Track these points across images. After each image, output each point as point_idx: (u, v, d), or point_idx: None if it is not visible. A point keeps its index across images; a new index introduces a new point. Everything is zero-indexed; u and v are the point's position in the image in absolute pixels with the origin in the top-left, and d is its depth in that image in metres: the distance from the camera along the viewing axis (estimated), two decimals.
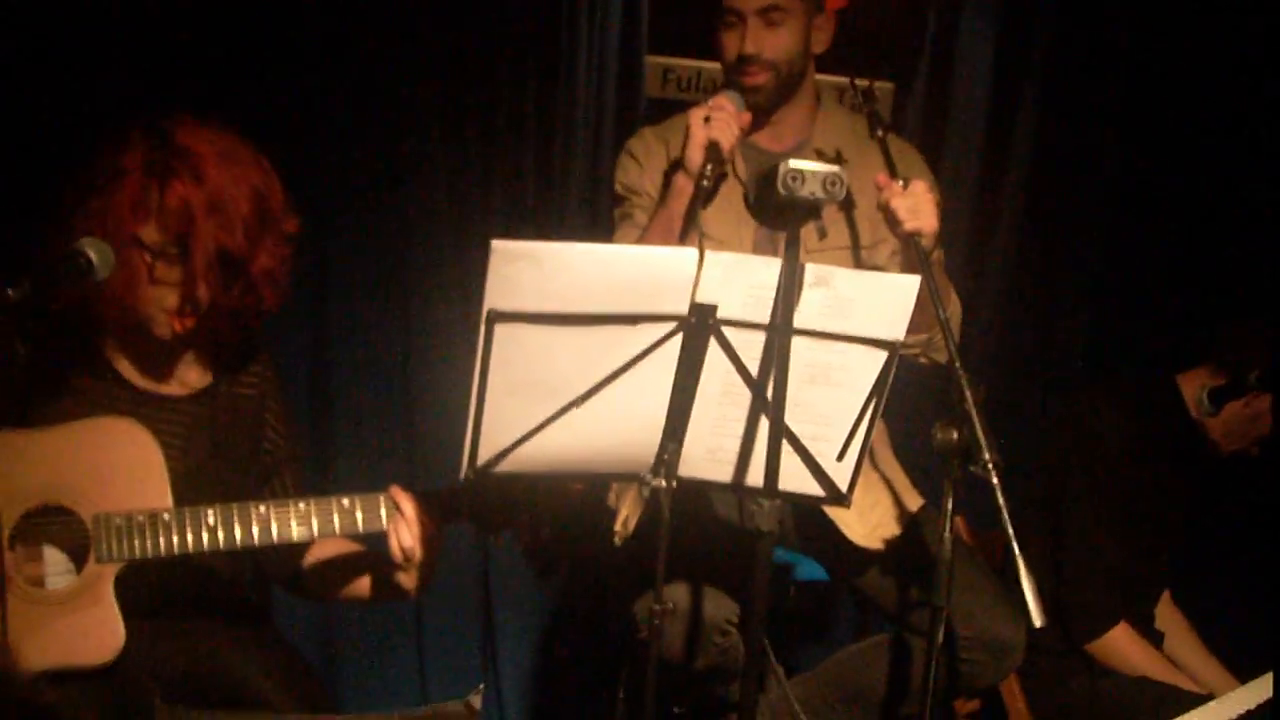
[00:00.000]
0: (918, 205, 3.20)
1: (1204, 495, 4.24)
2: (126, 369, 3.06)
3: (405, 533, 2.98)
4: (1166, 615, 4.23)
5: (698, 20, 4.89)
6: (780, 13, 3.50)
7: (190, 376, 3.12)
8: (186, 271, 2.87)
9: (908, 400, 3.34)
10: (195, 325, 2.95)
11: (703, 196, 3.28)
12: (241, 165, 2.93)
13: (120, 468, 2.92)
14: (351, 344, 4.85)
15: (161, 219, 2.85)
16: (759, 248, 3.53)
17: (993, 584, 3.54)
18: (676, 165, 3.41)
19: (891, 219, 3.22)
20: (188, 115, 2.96)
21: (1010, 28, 5.10)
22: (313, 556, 3.25)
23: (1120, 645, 3.90)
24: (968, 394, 2.92)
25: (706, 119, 3.33)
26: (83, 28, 4.38)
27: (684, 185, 3.36)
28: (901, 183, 3.24)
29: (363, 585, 3.23)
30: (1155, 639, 4.08)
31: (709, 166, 3.24)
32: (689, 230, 3.37)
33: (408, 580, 3.05)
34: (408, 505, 2.99)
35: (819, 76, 3.66)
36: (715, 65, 4.84)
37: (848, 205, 3.56)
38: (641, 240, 3.46)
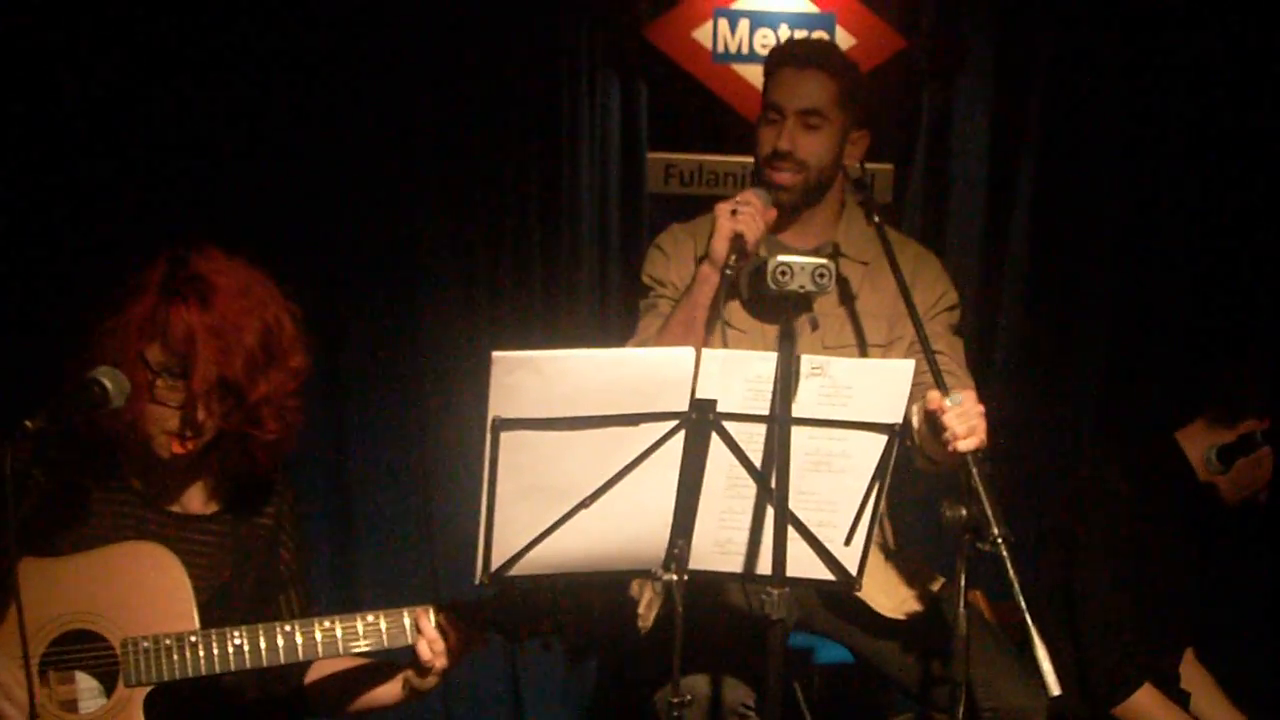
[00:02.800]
0: (973, 422, 3.08)
1: (1219, 550, 4.26)
2: (149, 490, 3.09)
3: (430, 648, 3.01)
4: (1191, 673, 4.21)
5: (698, 117, 5.04)
6: (820, 118, 3.58)
7: (210, 499, 3.16)
8: (187, 394, 2.92)
9: (918, 478, 3.39)
10: (196, 449, 2.99)
11: (726, 287, 3.36)
12: (253, 299, 2.98)
13: (146, 591, 2.96)
14: (369, 452, 4.94)
15: (166, 340, 2.90)
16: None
17: (1010, 655, 3.56)
18: (704, 257, 3.49)
19: (947, 437, 3.06)
20: (213, 247, 3.02)
21: (1004, 104, 5.18)
22: (315, 674, 3.24)
23: (1146, 708, 3.88)
24: (974, 471, 2.97)
25: (734, 212, 3.41)
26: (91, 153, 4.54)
27: (708, 274, 3.43)
28: (949, 399, 3.09)
29: (371, 698, 3.22)
30: (1181, 699, 4.06)
31: (733, 258, 3.34)
32: (713, 321, 3.45)
33: (425, 687, 3.09)
34: (432, 621, 3.02)
35: None
36: (716, 158, 5.00)
37: (848, 300, 3.61)
38: (663, 328, 3.51)
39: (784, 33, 5.01)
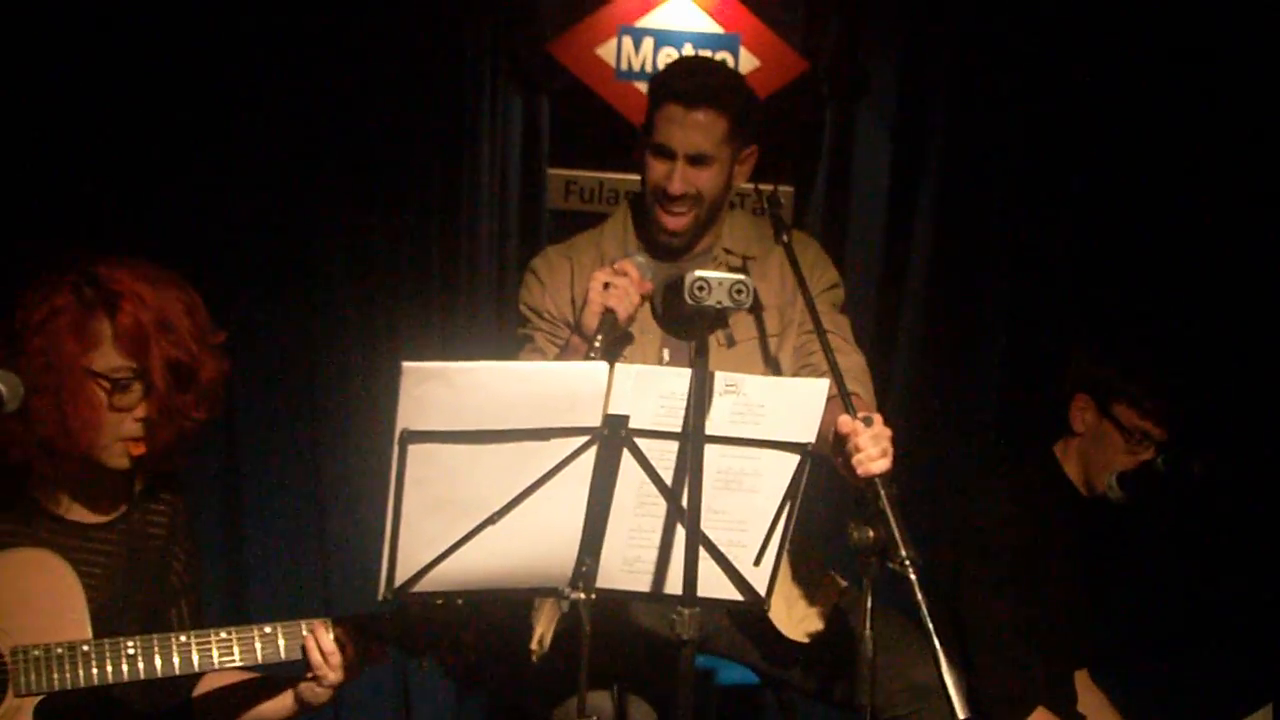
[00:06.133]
0: (885, 444, 3.01)
1: (1110, 567, 4.27)
2: (44, 497, 3.02)
3: (326, 662, 2.95)
4: (1085, 695, 4.24)
5: (599, 133, 5.00)
6: (711, 158, 3.50)
7: (105, 505, 3.09)
8: (148, 392, 2.88)
9: (826, 496, 3.37)
10: (147, 450, 2.95)
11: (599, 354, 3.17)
12: (167, 285, 2.96)
13: (38, 599, 2.89)
14: (263, 467, 4.85)
15: (117, 344, 2.86)
16: (673, 361, 3.53)
17: (907, 634, 3.46)
18: (579, 322, 3.37)
19: (861, 458, 2.98)
20: (100, 254, 2.98)
21: (905, 127, 5.20)
22: (204, 686, 3.19)
23: None
24: (882, 492, 2.96)
25: (606, 285, 3.30)
26: None
27: (577, 344, 3.35)
28: (863, 419, 3.02)
29: (259, 712, 3.16)
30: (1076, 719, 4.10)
31: (599, 338, 3.19)
32: None
33: (317, 700, 3.03)
34: (329, 634, 2.96)
35: None
36: (617, 176, 4.96)
37: (756, 308, 3.57)
38: None
39: (688, 52, 4.98)
